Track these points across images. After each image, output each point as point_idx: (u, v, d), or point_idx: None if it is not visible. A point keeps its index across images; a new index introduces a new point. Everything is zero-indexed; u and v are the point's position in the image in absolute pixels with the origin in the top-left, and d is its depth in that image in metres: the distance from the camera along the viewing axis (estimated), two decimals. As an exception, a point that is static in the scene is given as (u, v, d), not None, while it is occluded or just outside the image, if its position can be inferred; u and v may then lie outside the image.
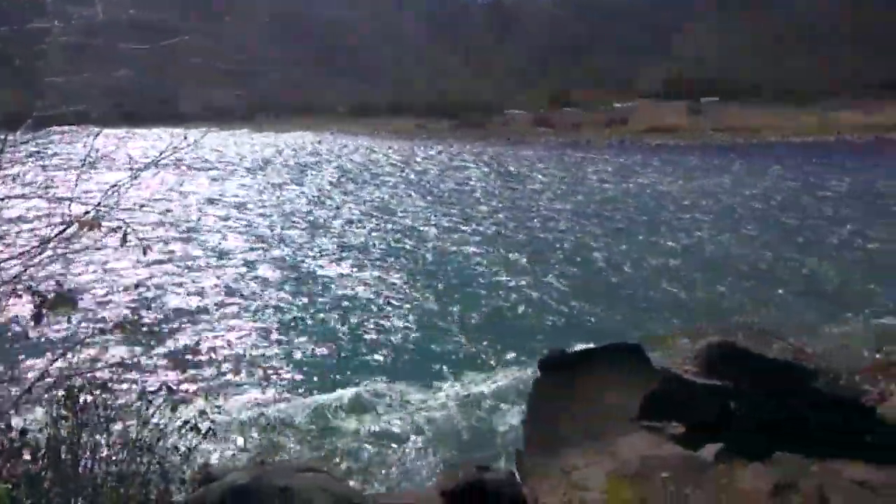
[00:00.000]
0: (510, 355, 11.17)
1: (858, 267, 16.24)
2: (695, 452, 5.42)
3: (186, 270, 16.65)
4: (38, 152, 3.84)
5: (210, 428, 4.05)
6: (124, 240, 3.47)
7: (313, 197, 29.74)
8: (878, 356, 6.90)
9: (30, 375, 3.86)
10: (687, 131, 58.39)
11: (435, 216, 24.78)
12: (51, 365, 3.77)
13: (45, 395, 3.79)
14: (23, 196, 3.55)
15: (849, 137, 51.71)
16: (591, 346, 7.11)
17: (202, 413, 4.04)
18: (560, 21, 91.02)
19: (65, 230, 3.47)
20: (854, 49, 69.68)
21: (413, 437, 8.51)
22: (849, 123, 54.71)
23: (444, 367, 10.83)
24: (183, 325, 12.48)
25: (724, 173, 34.97)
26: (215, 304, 14.05)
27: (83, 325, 3.76)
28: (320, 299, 14.51)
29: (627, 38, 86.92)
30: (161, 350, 8.75)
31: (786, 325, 6.93)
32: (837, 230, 20.75)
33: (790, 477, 4.78)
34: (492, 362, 10.98)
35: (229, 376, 8.94)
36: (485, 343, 11.87)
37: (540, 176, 36.38)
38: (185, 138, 4.17)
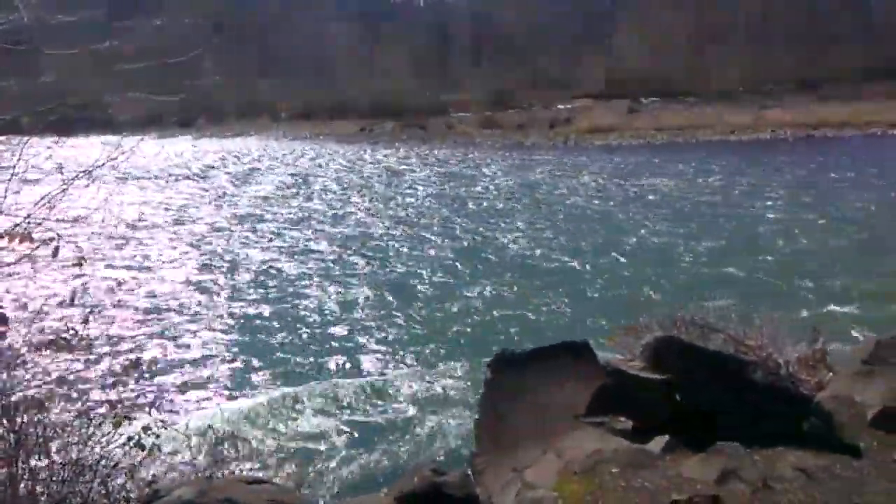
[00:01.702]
0: (459, 357, 11.19)
1: (794, 259, 16.83)
2: (643, 445, 5.53)
3: (126, 282, 16.19)
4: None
5: (154, 444, 3.96)
6: (56, 252, 3.36)
7: (257, 204, 29.30)
8: (814, 346, 7.15)
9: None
10: (628, 131, 59.61)
11: (382, 220, 24.70)
12: (-17, 385, 3.62)
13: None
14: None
15: (782, 135, 53.62)
16: (540, 345, 7.17)
17: (146, 429, 3.94)
18: (497, 20, 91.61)
19: (-6, 244, 3.34)
20: (785, 48, 72.20)
21: (365, 444, 8.46)
22: (780, 121, 56.74)
23: (394, 372, 10.79)
24: (122, 339, 12.13)
25: (664, 171, 35.83)
26: (155, 316, 13.71)
27: (16, 342, 3.62)
28: (264, 308, 14.31)
29: (565, 36, 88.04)
30: (100, 365, 8.46)
31: (726, 318, 7.12)
32: (772, 224, 21.48)
33: (734, 465, 4.93)
34: (441, 365, 10.99)
35: (173, 390, 8.73)
36: (433, 346, 11.87)
37: (486, 178, 36.63)
38: (120, 146, 4.07)
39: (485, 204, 28.17)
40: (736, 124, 57.09)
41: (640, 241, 19.94)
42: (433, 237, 21.53)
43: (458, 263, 17.85)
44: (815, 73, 67.99)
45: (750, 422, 5.55)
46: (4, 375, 3.66)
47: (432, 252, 19.36)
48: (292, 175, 39.75)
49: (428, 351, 11.64)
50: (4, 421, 3.57)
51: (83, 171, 3.86)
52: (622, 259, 17.71)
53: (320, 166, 44.29)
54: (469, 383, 9.86)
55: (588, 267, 17.08)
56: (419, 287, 15.71)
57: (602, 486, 4.97)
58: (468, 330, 12.77)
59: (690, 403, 5.87)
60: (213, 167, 44.65)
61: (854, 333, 11.15)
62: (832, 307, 12.87)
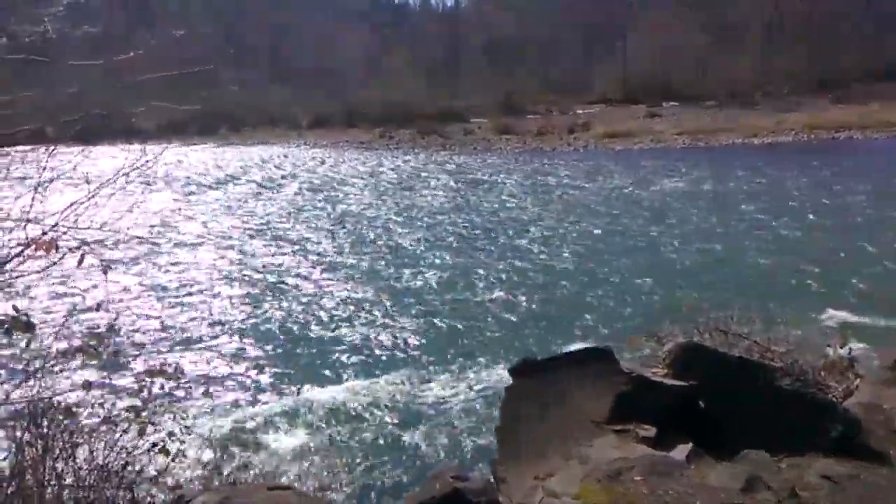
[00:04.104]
0: (480, 363, 11.18)
1: (821, 263, 16.60)
2: (666, 453, 5.47)
3: (150, 290, 16.37)
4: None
5: (179, 449, 3.99)
6: (81, 260, 3.41)
7: (282, 211, 29.49)
8: (841, 351, 7.04)
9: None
10: (648, 135, 59.18)
11: (403, 226, 24.75)
12: (13, 391, 3.67)
13: (9, 422, 3.70)
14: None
15: (805, 137, 52.94)
16: (562, 351, 7.14)
17: (171, 434, 3.98)
18: (509, 26, 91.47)
19: (21, 253, 3.39)
20: (800, 50, 71.39)
21: (387, 449, 8.47)
22: (802, 123, 56.01)
23: (415, 378, 10.80)
24: (148, 346, 12.27)
25: (685, 176, 35.54)
26: (180, 323, 13.84)
27: (44, 349, 3.68)
28: (291, 314, 14.39)
29: (577, 42, 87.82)
30: (126, 372, 8.57)
31: (751, 324, 7.04)
32: (797, 227, 21.21)
33: (760, 473, 4.86)
34: (462, 370, 10.98)
35: (197, 396, 8.78)
36: (454, 351, 11.87)
37: (507, 183, 36.57)
38: (144, 154, 4.11)
39: (506, 208, 28.13)
40: (757, 127, 56.40)
41: (663, 245, 19.78)
42: (454, 242, 21.54)
43: (479, 268, 17.82)
44: (833, 74, 67.18)
45: (775, 429, 5.47)
46: (32, 382, 3.70)
47: (452, 256, 19.36)
48: (313, 181, 39.98)
49: (449, 357, 11.63)
50: (32, 427, 3.62)
51: (109, 180, 3.91)
52: (645, 264, 17.57)
53: (341, 172, 44.49)
54: (491, 389, 9.84)
55: (610, 272, 16.97)
56: (441, 292, 15.71)
57: (626, 494, 4.92)
58: (489, 336, 12.75)
59: (715, 411, 5.80)
60: (235, 175, 45.03)
61: (882, 339, 10.96)
62: (860, 312, 12.67)
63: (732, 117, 60.85)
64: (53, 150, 3.89)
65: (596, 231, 22.34)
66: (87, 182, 3.82)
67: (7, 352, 3.62)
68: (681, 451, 5.46)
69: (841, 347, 7.10)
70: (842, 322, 11.87)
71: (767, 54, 72.88)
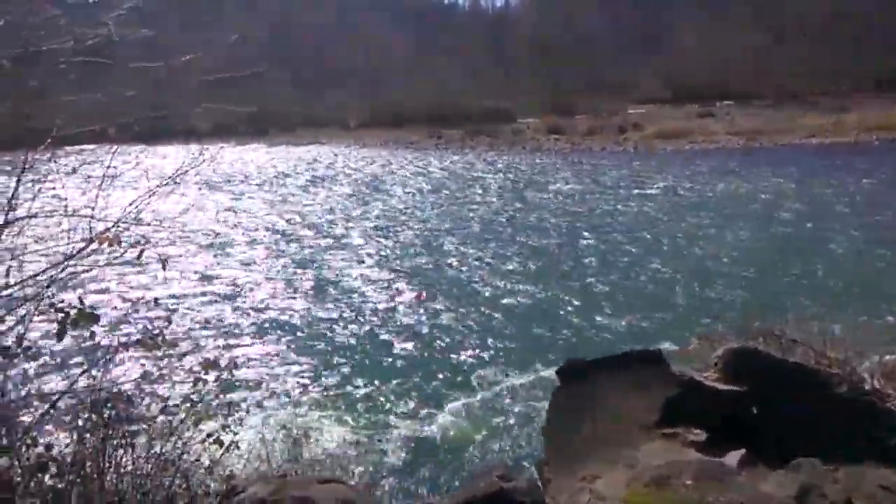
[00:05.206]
0: (528, 363, 11.15)
1: (879, 268, 16.04)
2: (718, 459, 5.37)
3: (207, 284, 16.80)
4: (58, 171, 3.91)
5: (232, 441, 4.09)
6: (140, 255, 3.53)
7: (333, 209, 29.86)
8: (900, 358, 6.80)
9: (55, 391, 3.91)
10: (700, 135, 57.93)
11: (452, 226, 24.80)
12: (75, 380, 3.82)
13: (71, 411, 3.84)
14: (44, 214, 3.61)
15: (867, 138, 51.05)
16: (611, 353, 7.07)
17: (224, 426, 4.07)
18: (556, 26, 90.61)
19: (86, 247, 3.52)
20: (857, 48, 68.78)
21: (436, 448, 8.52)
22: (862, 124, 53.95)
23: (466, 377, 10.83)
24: (204, 339, 12.62)
25: (740, 177, 34.70)
26: (235, 317, 14.17)
27: (105, 340, 3.82)
28: (341, 311, 14.59)
29: (625, 41, 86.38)
30: (183, 364, 8.82)
31: (807, 329, 6.85)
32: (855, 231, 20.52)
33: (814, 482, 4.73)
34: (511, 370, 10.97)
35: (251, 388, 9.02)
36: (505, 351, 11.87)
37: (556, 183, 36.30)
38: (202, 153, 4.23)
39: (555, 208, 27.93)
40: (815, 127, 54.64)
41: (716, 247, 19.37)
42: (503, 242, 21.50)
43: (528, 268, 17.76)
44: (892, 73, 64.52)
45: (831, 437, 5.32)
46: (94, 372, 3.84)
47: (501, 256, 19.33)
48: (363, 181, 40.37)
49: (498, 356, 11.64)
50: (93, 416, 3.75)
51: (168, 178, 4.03)
52: (697, 266, 17.25)
53: (390, 172, 44.80)
54: (538, 389, 9.80)
55: (662, 274, 16.71)
56: (490, 291, 15.71)
57: (674, 498, 4.85)
58: (538, 336, 12.70)
59: (768, 417, 5.67)
60: (288, 173, 45.77)
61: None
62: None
63: (788, 117, 59.11)
64: (115, 150, 4.03)
65: (646, 233, 22.00)
66: (148, 180, 3.96)
67: (72, 343, 3.76)
68: (733, 457, 5.35)
69: (901, 354, 6.86)
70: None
71: (824, 52, 70.49)
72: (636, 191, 32.01)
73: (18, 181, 3.50)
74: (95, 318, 3.41)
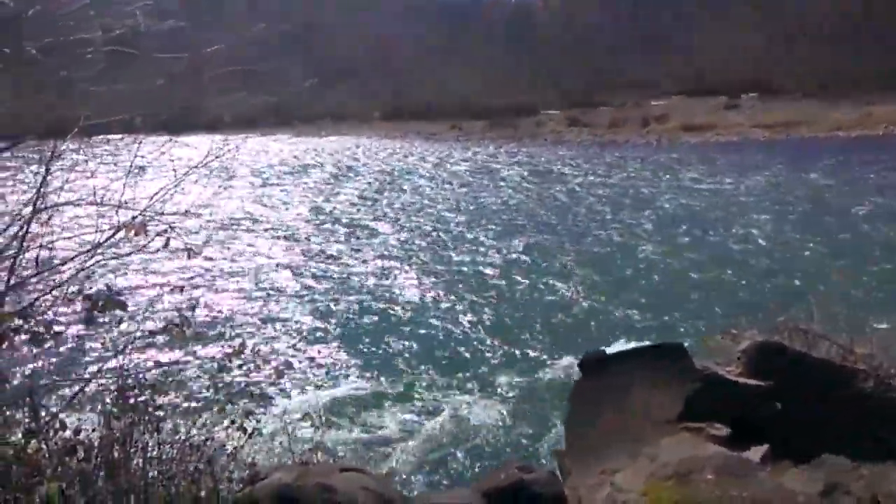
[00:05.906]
0: (551, 356, 11.13)
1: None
2: (740, 454, 5.32)
3: (231, 273, 16.97)
4: (86, 160, 3.96)
5: (256, 428, 4.13)
6: (167, 244, 3.57)
7: (355, 200, 29.99)
8: (929, 356, 6.67)
9: (83, 376, 3.98)
10: (725, 128, 57.28)
11: (473, 216, 24.79)
12: (103, 366, 3.88)
13: (98, 396, 3.90)
14: (73, 203, 3.67)
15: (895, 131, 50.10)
16: (633, 346, 7.04)
17: (248, 413, 4.12)
18: (579, 19, 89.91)
19: (114, 235, 3.57)
20: (882, 42, 67.31)
21: (455, 438, 8.54)
22: (890, 118, 52.90)
23: (486, 368, 10.84)
24: (227, 327, 12.76)
25: (765, 170, 34.25)
26: (259, 306, 14.30)
27: (133, 327, 3.89)
28: (365, 301, 14.66)
29: (649, 34, 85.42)
30: (207, 351, 8.94)
31: (833, 324, 6.75)
32: (883, 226, 20.16)
33: (840, 479, 4.67)
34: (533, 363, 10.96)
35: (274, 376, 9.08)
36: (526, 344, 11.85)
37: (578, 175, 36.10)
38: (227, 144, 4.26)
39: (575, 201, 27.78)
40: (841, 121, 53.81)
41: (741, 241, 19.18)
42: (524, 233, 21.46)
43: (549, 260, 17.71)
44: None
45: (857, 434, 5.24)
46: (122, 358, 3.90)
47: (522, 248, 19.30)
48: (385, 171, 40.46)
49: (518, 348, 11.63)
50: (121, 401, 3.80)
51: (194, 167, 4.06)
52: (721, 260, 17.08)
53: (412, 163, 44.87)
54: (559, 381, 9.79)
55: (685, 268, 16.57)
56: (511, 282, 15.71)
57: (695, 493, 4.81)
58: (559, 328, 12.68)
59: (792, 413, 5.60)
60: (310, 164, 46.01)
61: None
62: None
63: (815, 109, 58.20)
64: (142, 140, 4.08)
65: (669, 227, 21.81)
66: (174, 170, 4.00)
67: (100, 329, 3.82)
68: (756, 453, 5.30)
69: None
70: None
71: (850, 46, 69.19)
72: (657, 184, 31.74)
73: (47, 170, 3.56)
74: (123, 306, 3.45)
